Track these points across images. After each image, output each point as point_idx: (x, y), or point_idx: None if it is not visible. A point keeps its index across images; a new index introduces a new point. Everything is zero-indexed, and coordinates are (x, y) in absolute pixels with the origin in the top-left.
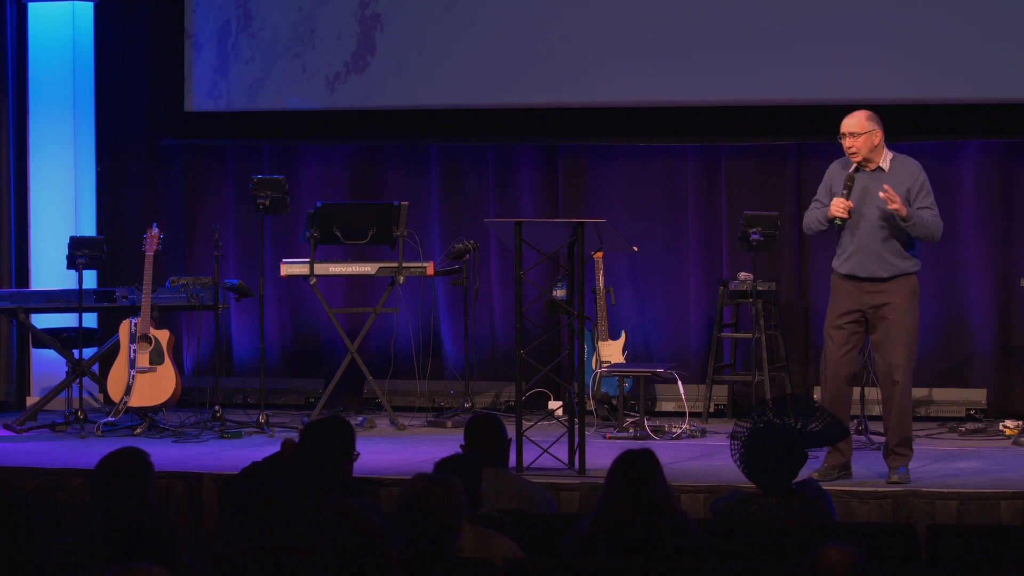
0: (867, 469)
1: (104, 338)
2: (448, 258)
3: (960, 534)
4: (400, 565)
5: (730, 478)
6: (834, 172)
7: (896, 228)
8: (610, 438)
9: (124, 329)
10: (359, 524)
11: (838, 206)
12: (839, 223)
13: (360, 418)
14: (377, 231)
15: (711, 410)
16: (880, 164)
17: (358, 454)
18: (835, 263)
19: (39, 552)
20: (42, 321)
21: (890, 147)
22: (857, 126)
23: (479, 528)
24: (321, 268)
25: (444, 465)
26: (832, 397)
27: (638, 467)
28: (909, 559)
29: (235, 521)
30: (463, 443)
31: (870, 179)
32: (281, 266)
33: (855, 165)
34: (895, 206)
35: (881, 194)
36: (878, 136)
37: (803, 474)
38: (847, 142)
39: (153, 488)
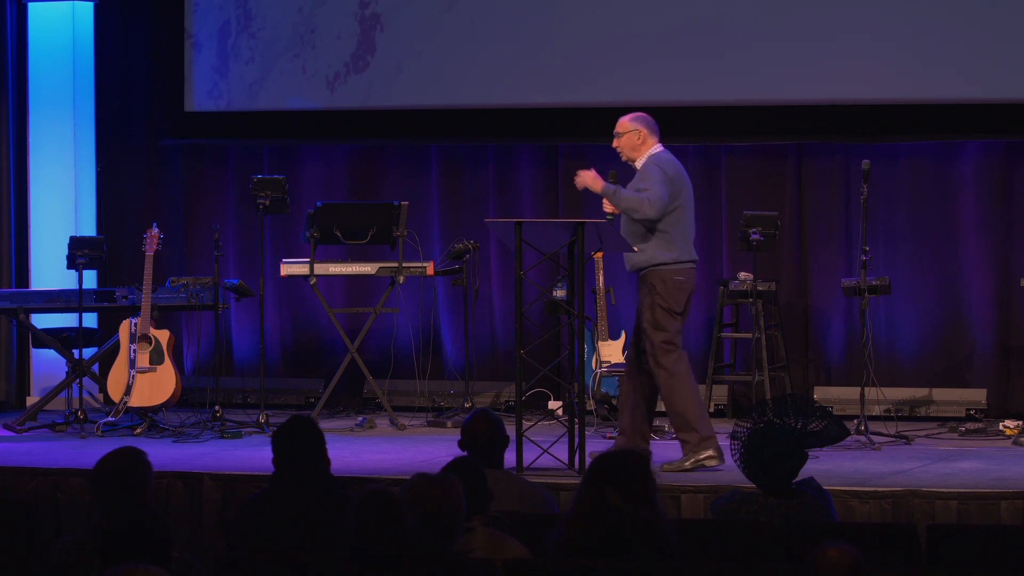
0: (867, 469)
1: (104, 338)
2: (448, 258)
3: (960, 534)
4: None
5: (730, 478)
6: None
7: (629, 223)
8: (610, 438)
9: (124, 329)
10: (395, 514)
11: (606, 204)
12: (610, 218)
13: (360, 418)
14: (377, 231)
15: (711, 410)
16: (638, 164)
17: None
18: None
19: (39, 552)
20: (42, 321)
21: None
22: (619, 126)
23: (491, 530)
24: (321, 268)
25: (448, 470)
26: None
27: (612, 472)
28: (909, 559)
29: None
30: (460, 440)
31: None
32: (281, 266)
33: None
34: (592, 187)
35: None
36: (639, 135)
37: (803, 474)
38: (613, 142)
39: (152, 488)
